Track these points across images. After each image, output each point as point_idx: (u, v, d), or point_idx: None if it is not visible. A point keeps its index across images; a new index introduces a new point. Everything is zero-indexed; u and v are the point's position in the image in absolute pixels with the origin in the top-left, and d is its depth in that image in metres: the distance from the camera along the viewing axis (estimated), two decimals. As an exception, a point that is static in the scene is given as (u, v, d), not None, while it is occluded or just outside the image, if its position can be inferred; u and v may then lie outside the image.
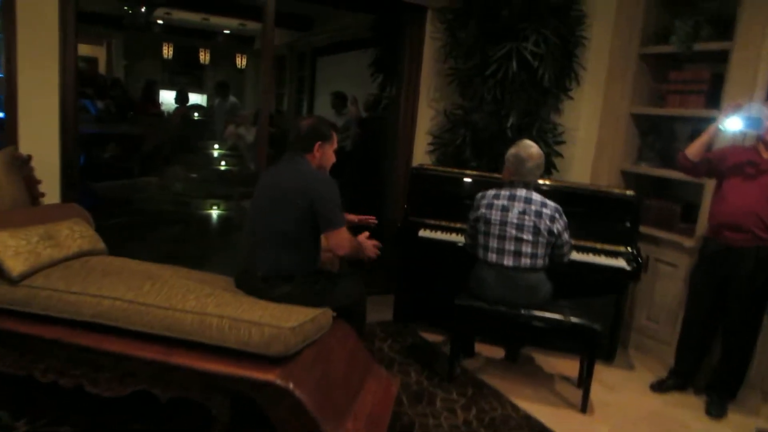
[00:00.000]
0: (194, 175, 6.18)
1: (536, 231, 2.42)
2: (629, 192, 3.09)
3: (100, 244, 2.41)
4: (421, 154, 3.80)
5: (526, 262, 2.45)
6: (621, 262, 2.89)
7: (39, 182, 2.60)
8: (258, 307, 1.92)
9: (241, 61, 10.20)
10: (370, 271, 3.57)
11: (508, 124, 3.32)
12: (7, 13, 2.60)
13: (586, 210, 3.04)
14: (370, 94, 5.39)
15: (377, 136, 5.00)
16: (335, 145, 2.24)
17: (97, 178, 5.32)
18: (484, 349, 3.12)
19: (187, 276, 2.16)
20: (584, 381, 2.55)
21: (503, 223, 2.45)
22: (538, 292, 2.50)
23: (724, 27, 2.92)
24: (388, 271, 3.72)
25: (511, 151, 2.49)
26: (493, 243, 2.48)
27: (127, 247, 4.10)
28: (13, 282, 1.96)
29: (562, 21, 3.33)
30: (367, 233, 2.32)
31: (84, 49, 8.87)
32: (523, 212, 2.43)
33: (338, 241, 2.08)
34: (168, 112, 8.02)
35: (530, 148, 2.46)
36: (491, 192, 2.53)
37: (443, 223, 3.17)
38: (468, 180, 3.22)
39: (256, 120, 6.69)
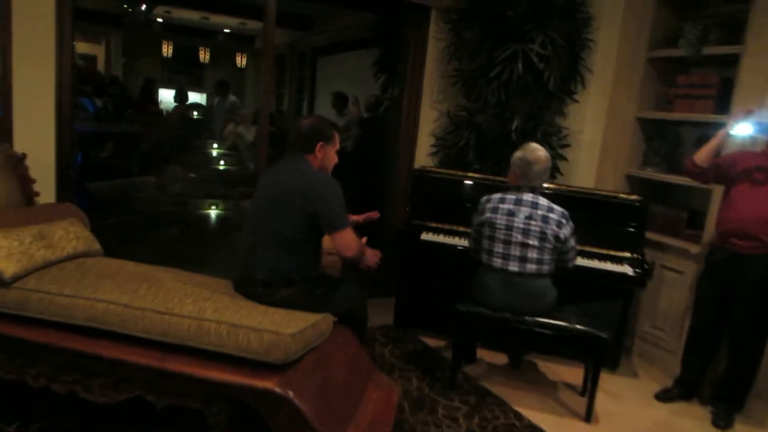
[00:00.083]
0: (193, 175, 6.13)
1: (542, 236, 2.37)
2: (635, 197, 3.05)
3: (96, 246, 2.35)
4: (424, 156, 3.75)
5: (531, 267, 2.39)
6: (627, 269, 2.84)
7: (33, 181, 2.54)
8: (257, 312, 1.87)
9: (241, 61, 10.15)
10: (370, 274, 3.53)
11: (513, 127, 3.27)
12: (2, 8, 2.54)
13: (591, 215, 2.99)
14: (371, 95, 5.34)
15: (378, 137, 4.95)
16: (337, 146, 2.19)
17: (94, 177, 5.26)
18: (485, 355, 3.07)
19: (185, 279, 2.10)
20: (589, 390, 2.50)
21: (509, 227, 2.40)
22: (544, 298, 2.45)
23: (735, 30, 2.88)
24: (388, 273, 3.67)
25: (518, 154, 2.44)
26: (498, 248, 2.43)
27: (124, 248, 4.06)
28: (5, 284, 1.91)
29: (568, 23, 3.28)
30: (365, 238, 2.26)
31: (83, 47, 8.82)
32: (530, 217, 2.38)
33: (345, 242, 2.02)
34: (167, 111, 7.97)
35: (537, 151, 2.41)
36: (497, 196, 2.48)
37: (446, 227, 3.12)
38: (472, 183, 3.17)
39: (255, 119, 6.65)
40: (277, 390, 1.67)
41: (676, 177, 3.21)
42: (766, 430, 2.59)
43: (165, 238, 5.05)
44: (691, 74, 3.25)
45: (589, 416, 2.50)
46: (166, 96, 8.99)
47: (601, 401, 2.64)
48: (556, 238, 2.38)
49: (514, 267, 2.41)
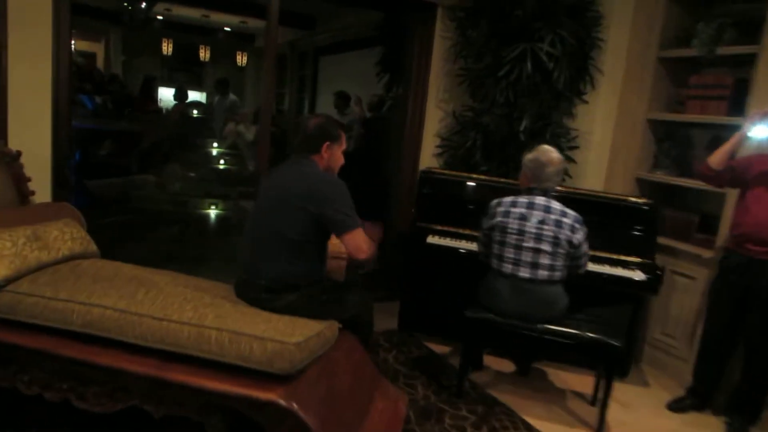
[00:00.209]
0: (192, 174, 6.06)
1: (555, 242, 2.29)
2: (646, 200, 2.98)
3: (92, 247, 2.27)
4: (429, 157, 3.67)
5: (543, 274, 2.32)
6: (638, 274, 2.76)
7: (28, 180, 2.46)
8: (260, 320, 1.79)
9: (241, 59, 10.07)
10: (372, 276, 3.45)
11: (521, 128, 3.20)
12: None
13: (601, 219, 2.92)
14: (374, 95, 5.28)
15: (381, 137, 4.89)
16: (344, 146, 2.11)
17: (92, 175, 5.19)
18: (492, 362, 2.99)
19: (185, 283, 2.02)
20: (601, 399, 2.42)
21: (520, 232, 2.32)
22: (555, 305, 2.37)
23: (751, 30, 2.80)
24: (392, 276, 3.60)
25: (530, 155, 2.37)
26: (509, 253, 2.35)
27: (122, 248, 3.99)
28: (-3, 287, 1.83)
29: (577, 22, 3.21)
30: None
31: (82, 45, 8.74)
32: (542, 221, 2.30)
33: (356, 244, 1.93)
34: (166, 109, 7.89)
35: (550, 152, 2.33)
36: (508, 199, 2.40)
37: (452, 230, 3.04)
38: (479, 185, 3.10)
39: (256, 118, 6.58)
40: (281, 402, 1.59)
41: (687, 180, 3.15)
42: (783, 441, 2.52)
43: (164, 237, 4.97)
44: (704, 74, 3.18)
45: (600, 427, 2.42)
46: (166, 94, 8.91)
47: (612, 411, 2.56)
48: (570, 243, 2.30)
49: (525, 273, 2.33)
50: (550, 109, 3.33)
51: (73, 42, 2.80)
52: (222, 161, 6.62)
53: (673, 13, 3.22)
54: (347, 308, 2.06)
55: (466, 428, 2.33)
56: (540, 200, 2.34)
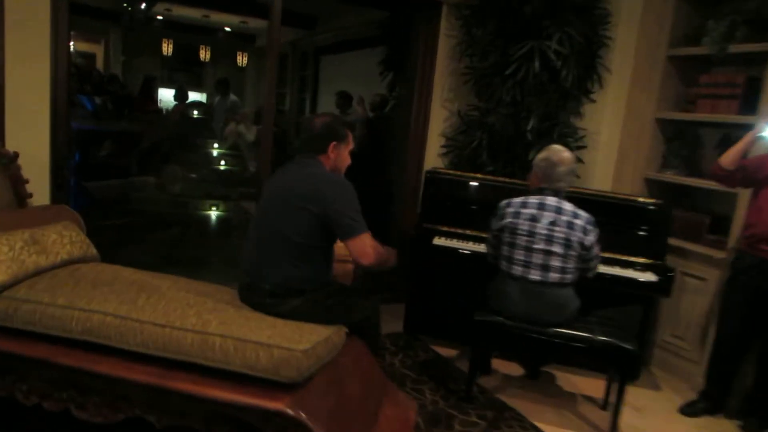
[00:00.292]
0: (193, 175, 6.00)
1: (567, 243, 2.23)
2: (657, 201, 2.92)
3: (92, 251, 2.22)
4: (434, 157, 3.62)
5: (554, 276, 2.26)
6: (650, 276, 2.71)
7: (26, 181, 2.40)
8: (266, 325, 1.73)
9: (241, 59, 10.01)
10: (378, 278, 3.39)
11: (529, 127, 3.14)
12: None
13: (611, 220, 2.86)
14: (376, 94, 5.22)
15: (384, 137, 4.83)
16: (351, 146, 2.05)
17: (92, 176, 5.13)
18: (500, 365, 2.94)
19: (187, 287, 1.96)
20: (614, 404, 2.36)
21: (531, 233, 2.26)
22: (566, 308, 2.32)
23: (762, 27, 2.75)
24: (397, 278, 3.54)
25: (541, 155, 2.31)
26: (519, 255, 2.29)
27: (123, 249, 3.93)
28: (-7, 293, 1.77)
29: (584, 19, 3.15)
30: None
31: (82, 45, 8.68)
32: (553, 223, 2.24)
33: (361, 249, 1.87)
34: (166, 110, 7.83)
35: (562, 152, 2.28)
36: (518, 200, 2.34)
37: (458, 231, 2.99)
38: (487, 186, 3.03)
39: (257, 119, 6.53)
40: (289, 411, 1.53)
41: (697, 180, 3.10)
42: (799, 446, 2.46)
43: (165, 239, 4.92)
44: (715, 73, 3.13)
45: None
46: (166, 95, 8.85)
47: (624, 415, 2.50)
48: (581, 245, 2.25)
49: (535, 276, 2.27)
50: (557, 109, 3.27)
51: (72, 43, 2.75)
52: (223, 162, 6.56)
53: (682, 10, 3.17)
54: (355, 313, 2.00)
55: (476, 435, 2.28)
56: (551, 201, 2.28)
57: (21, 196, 2.38)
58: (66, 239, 2.10)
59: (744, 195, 2.70)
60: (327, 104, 7.12)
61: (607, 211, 2.87)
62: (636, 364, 2.71)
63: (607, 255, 2.75)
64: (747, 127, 2.56)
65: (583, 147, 3.33)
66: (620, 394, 2.33)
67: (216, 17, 8.50)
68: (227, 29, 9.57)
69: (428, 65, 3.53)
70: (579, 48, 3.09)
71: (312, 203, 1.87)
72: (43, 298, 1.76)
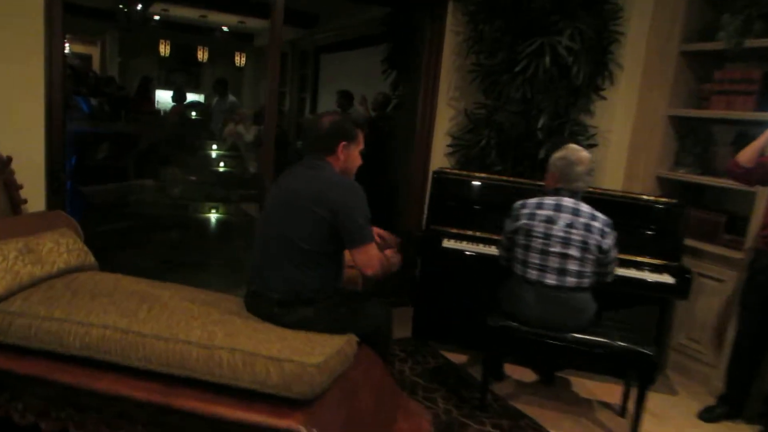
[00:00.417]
0: (192, 177, 5.90)
1: (584, 247, 2.15)
2: (672, 200, 2.84)
3: (90, 259, 2.12)
4: (440, 157, 3.53)
5: (571, 280, 2.17)
6: (667, 278, 2.63)
7: (20, 187, 2.31)
8: (275, 337, 1.64)
9: (240, 60, 9.90)
10: (384, 282, 3.30)
11: (539, 125, 3.06)
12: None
13: (624, 220, 2.76)
14: (378, 93, 5.13)
15: (387, 136, 4.74)
16: (361, 146, 1.96)
17: (89, 180, 5.03)
18: (512, 371, 2.85)
19: (190, 297, 1.87)
20: (633, 411, 2.28)
21: (547, 236, 2.17)
22: (583, 313, 2.23)
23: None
24: (404, 282, 3.45)
25: (558, 154, 2.22)
26: (534, 258, 2.21)
27: (121, 255, 3.84)
28: (-14, 306, 1.68)
29: (594, 14, 3.07)
30: (399, 239, 2.04)
31: (78, 47, 8.57)
32: (570, 225, 2.16)
33: (366, 259, 1.79)
34: (164, 111, 7.72)
35: (579, 151, 2.19)
36: (533, 201, 2.25)
37: (468, 233, 2.90)
38: (497, 186, 2.94)
39: (256, 119, 6.43)
40: (302, 429, 1.45)
41: (710, 178, 3.02)
42: (823, 453, 2.38)
43: (164, 243, 4.82)
44: (730, 69, 3.04)
45: (633, 440, 2.28)
46: (164, 96, 8.74)
47: (642, 421, 2.42)
48: (599, 248, 2.16)
49: (551, 280, 2.19)
50: (568, 106, 3.19)
51: (68, 44, 2.65)
52: (222, 163, 6.47)
53: (695, 5, 3.09)
54: (365, 322, 1.91)
55: (492, 446, 2.19)
56: (568, 202, 2.20)
57: (15, 203, 2.28)
58: (63, 247, 2.00)
59: (762, 194, 2.63)
60: (327, 104, 7.03)
61: (620, 211, 2.77)
62: (655, 369, 2.62)
63: (621, 256, 2.66)
64: (764, 124, 2.48)
65: (594, 145, 3.24)
66: (640, 400, 2.25)
67: (213, 17, 8.39)
68: (225, 29, 9.47)
69: (434, 63, 3.45)
70: (590, 44, 3.00)
71: (321, 207, 1.79)
72: (39, 311, 1.67)
